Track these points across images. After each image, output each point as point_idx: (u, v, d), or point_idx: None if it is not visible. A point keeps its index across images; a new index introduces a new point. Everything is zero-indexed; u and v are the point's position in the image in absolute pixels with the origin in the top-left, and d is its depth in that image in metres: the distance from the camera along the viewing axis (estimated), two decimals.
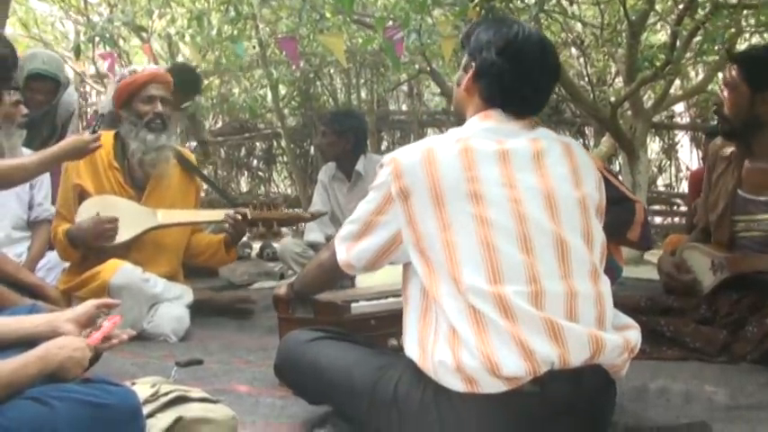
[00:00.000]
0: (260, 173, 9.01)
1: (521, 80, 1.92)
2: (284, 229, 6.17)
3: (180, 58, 7.88)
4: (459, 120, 2.03)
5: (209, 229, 3.95)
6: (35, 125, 4.01)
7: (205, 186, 7.59)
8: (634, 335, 1.90)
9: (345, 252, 2.02)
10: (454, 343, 1.75)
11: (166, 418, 1.84)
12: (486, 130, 1.91)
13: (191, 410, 1.89)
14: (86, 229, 3.22)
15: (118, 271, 3.11)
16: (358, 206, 2.01)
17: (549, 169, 1.88)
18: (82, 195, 3.36)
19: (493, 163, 1.85)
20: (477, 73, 1.96)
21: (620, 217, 3.27)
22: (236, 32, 5.79)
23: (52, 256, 3.76)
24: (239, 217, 3.41)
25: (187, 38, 6.34)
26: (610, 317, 1.86)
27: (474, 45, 1.98)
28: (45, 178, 3.98)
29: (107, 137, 3.38)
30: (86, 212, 3.28)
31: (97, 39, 6.42)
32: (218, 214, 3.56)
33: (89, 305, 2.07)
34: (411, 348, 1.87)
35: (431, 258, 1.82)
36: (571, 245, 1.83)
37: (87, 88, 7.98)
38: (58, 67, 4.49)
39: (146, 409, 1.82)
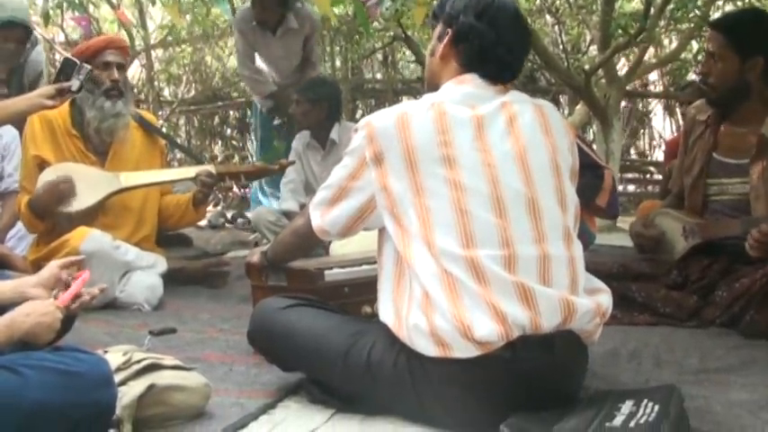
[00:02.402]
0: (233, 141, 8.95)
1: (499, 44, 1.93)
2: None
3: (150, 26, 7.78)
4: (432, 90, 2.02)
5: (176, 190, 3.91)
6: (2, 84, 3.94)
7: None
8: (605, 299, 1.91)
9: (320, 218, 2.02)
10: (427, 307, 1.76)
11: (139, 385, 1.83)
12: (461, 95, 1.92)
13: (163, 378, 1.88)
14: (43, 195, 3.18)
15: (87, 238, 3.07)
16: (333, 171, 2.00)
17: (522, 133, 1.88)
18: (42, 166, 3.31)
19: (467, 128, 1.85)
20: (455, 38, 1.97)
21: (587, 182, 3.29)
22: None
23: (22, 225, 3.71)
24: (207, 179, 3.39)
25: (159, 4, 6.24)
26: (582, 280, 1.88)
27: (450, 12, 1.99)
28: (15, 149, 3.92)
29: (63, 105, 3.32)
30: (47, 180, 3.23)
31: (66, 4, 6.30)
32: (182, 172, 3.53)
33: (53, 266, 2.04)
34: (385, 314, 1.88)
35: (404, 223, 1.82)
36: (545, 208, 1.84)
37: (57, 56, 7.83)
38: (27, 15, 4.40)
39: (118, 377, 1.81)
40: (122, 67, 3.45)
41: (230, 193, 6.64)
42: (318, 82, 4.72)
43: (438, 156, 1.82)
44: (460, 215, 1.78)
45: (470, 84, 1.94)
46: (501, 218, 1.80)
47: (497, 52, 1.94)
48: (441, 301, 1.74)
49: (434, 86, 2.02)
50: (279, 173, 4.00)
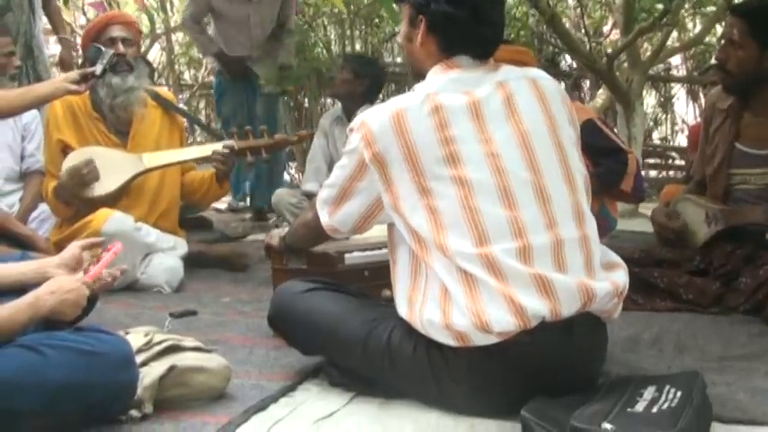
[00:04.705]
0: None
1: (477, 21, 1.86)
2: None
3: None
4: (417, 75, 1.97)
5: (199, 166, 3.91)
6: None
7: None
8: (622, 277, 1.89)
9: (328, 217, 2.00)
10: (445, 303, 1.75)
11: (160, 366, 1.84)
12: (452, 81, 1.86)
13: (184, 359, 1.89)
14: (68, 182, 3.17)
15: (109, 219, 3.07)
16: (333, 169, 1.98)
17: (521, 113, 1.84)
18: (66, 151, 3.31)
19: (466, 119, 1.81)
20: (429, 26, 1.90)
21: (613, 168, 3.28)
22: None
23: (45, 207, 3.73)
24: (227, 151, 3.37)
25: None
26: (597, 258, 1.85)
27: None
28: (36, 129, 3.94)
29: None
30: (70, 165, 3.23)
31: None
32: (204, 149, 3.52)
33: (74, 247, 2.05)
34: (401, 307, 1.87)
35: (415, 224, 1.80)
36: (552, 190, 1.81)
37: (78, 39, 7.85)
38: None
39: (139, 358, 1.82)
40: (129, 42, 3.40)
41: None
42: (370, 60, 4.87)
43: (440, 155, 1.78)
44: (470, 213, 1.75)
45: (459, 68, 1.89)
46: (511, 209, 1.77)
47: (479, 32, 1.88)
48: (459, 297, 1.73)
49: (420, 71, 1.97)
50: (297, 144, 3.99)
